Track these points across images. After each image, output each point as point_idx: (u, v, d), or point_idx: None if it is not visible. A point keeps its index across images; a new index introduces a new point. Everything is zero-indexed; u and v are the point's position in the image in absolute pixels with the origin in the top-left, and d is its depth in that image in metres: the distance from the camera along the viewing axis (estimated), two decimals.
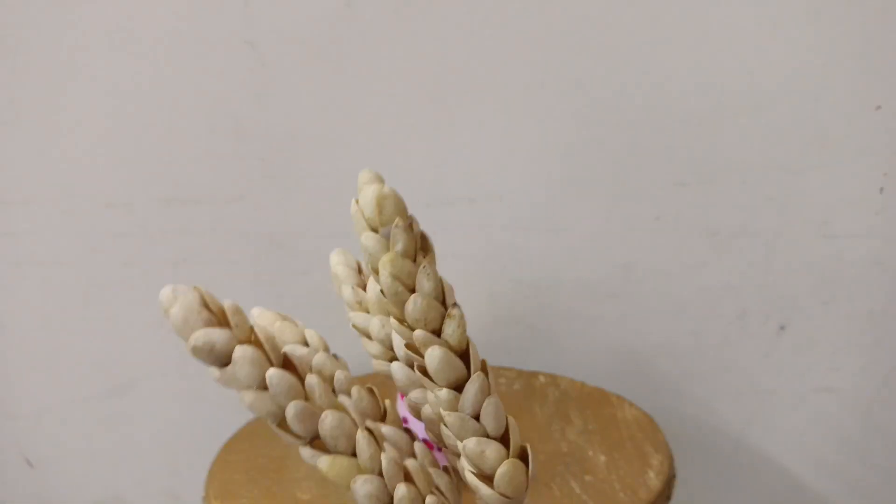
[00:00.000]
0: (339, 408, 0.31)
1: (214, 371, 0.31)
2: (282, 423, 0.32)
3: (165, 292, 0.31)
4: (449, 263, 0.91)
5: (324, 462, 0.31)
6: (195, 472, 0.99)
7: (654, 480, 0.68)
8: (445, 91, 0.82)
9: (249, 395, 0.33)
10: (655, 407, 0.96)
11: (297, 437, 0.32)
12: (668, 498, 0.70)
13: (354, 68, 0.79)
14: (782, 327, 0.94)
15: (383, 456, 0.31)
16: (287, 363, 0.32)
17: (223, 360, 0.32)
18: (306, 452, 0.31)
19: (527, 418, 0.79)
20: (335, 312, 0.91)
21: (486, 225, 0.87)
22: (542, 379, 0.87)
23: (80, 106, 0.80)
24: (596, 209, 0.87)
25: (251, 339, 0.32)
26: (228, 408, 0.95)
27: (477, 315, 0.95)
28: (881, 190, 0.87)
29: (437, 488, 0.34)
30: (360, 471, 0.31)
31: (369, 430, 0.31)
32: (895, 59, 0.81)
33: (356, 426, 0.31)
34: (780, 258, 0.90)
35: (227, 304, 0.32)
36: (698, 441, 0.99)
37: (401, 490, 0.31)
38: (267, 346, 0.32)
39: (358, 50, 0.79)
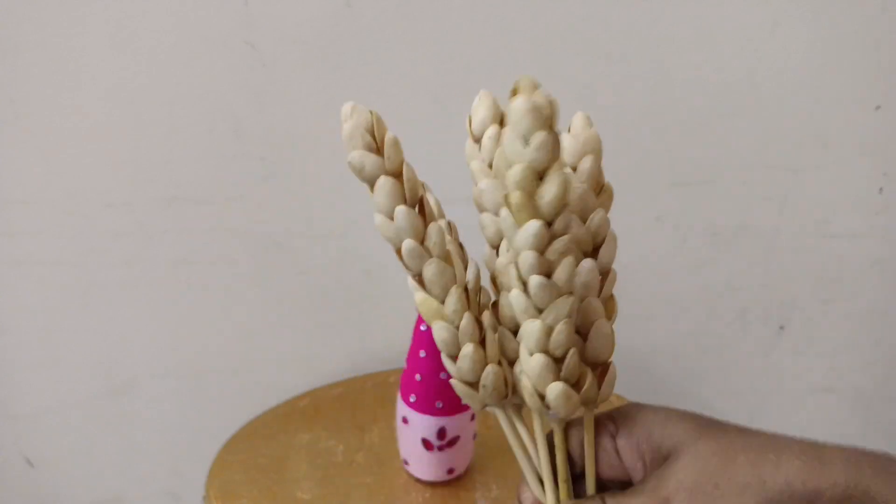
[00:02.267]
0: (448, 260, 0.34)
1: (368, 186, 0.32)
2: (399, 251, 0.35)
3: (347, 106, 0.35)
4: None
5: (418, 297, 0.35)
6: (195, 472, 0.99)
7: None
8: (446, 91, 0.82)
9: (379, 218, 0.36)
10: None
11: (407, 267, 0.36)
12: None
13: (354, 68, 0.79)
14: (782, 327, 0.94)
15: (466, 315, 0.33)
16: (420, 206, 0.35)
17: (370, 182, 0.35)
18: (411, 282, 0.36)
19: (526, 417, 0.79)
20: (335, 312, 0.92)
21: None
22: None
23: (81, 106, 0.80)
24: None
25: (398, 172, 0.35)
26: (229, 408, 0.95)
27: None
28: (881, 190, 0.87)
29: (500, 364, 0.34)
30: (443, 318, 0.33)
31: (465, 290, 0.34)
32: (894, 60, 0.81)
33: (454, 282, 0.33)
34: (779, 258, 0.90)
35: (389, 136, 0.36)
36: None
37: (468, 348, 0.33)
38: (407, 185, 0.35)
39: (358, 50, 0.79)
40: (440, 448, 0.65)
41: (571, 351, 0.32)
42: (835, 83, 0.82)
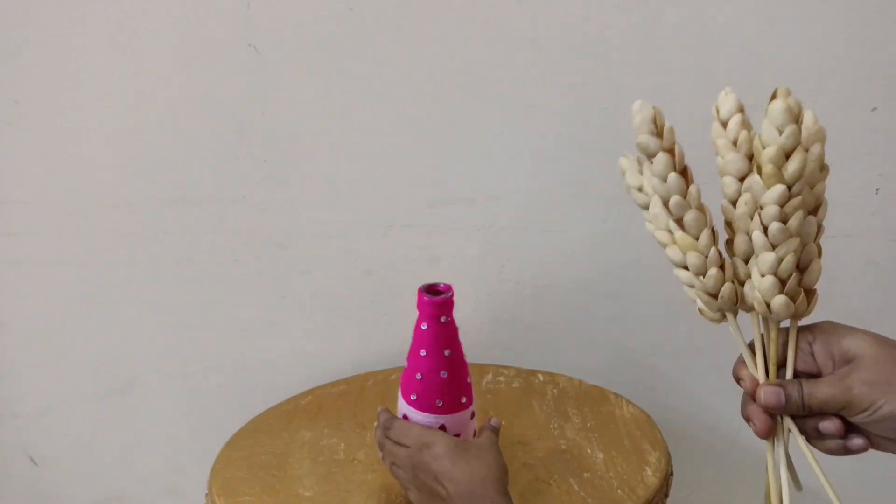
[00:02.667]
0: (701, 210, 0.49)
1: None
2: (666, 204, 0.49)
3: (637, 103, 0.49)
4: (449, 263, 0.92)
5: (678, 235, 0.49)
6: (198, 470, 0.99)
7: (651, 478, 0.69)
8: (446, 93, 0.82)
9: (655, 182, 0.50)
10: (653, 405, 0.96)
11: (670, 213, 0.49)
12: (666, 495, 0.70)
13: (356, 71, 0.80)
14: None
15: (713, 248, 0.47)
16: (684, 174, 0.50)
17: (651, 156, 0.49)
18: (671, 224, 0.50)
19: (526, 416, 0.80)
20: (336, 311, 0.92)
21: (486, 225, 0.88)
22: (540, 377, 0.87)
23: (85, 107, 0.80)
24: (594, 210, 0.88)
25: (671, 149, 0.50)
26: (231, 405, 0.95)
27: (477, 314, 0.95)
28: (877, 191, 0.87)
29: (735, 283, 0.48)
30: (696, 250, 0.48)
31: (712, 231, 0.49)
32: (891, 62, 0.81)
33: (705, 225, 0.48)
34: None
35: (667, 126, 0.50)
36: (695, 439, 1.00)
37: (713, 270, 0.47)
38: (677, 158, 0.50)
39: (359, 53, 0.79)
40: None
41: (793, 276, 0.46)
42: (832, 85, 0.82)
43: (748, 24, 0.80)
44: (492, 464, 0.59)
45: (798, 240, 0.46)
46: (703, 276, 0.48)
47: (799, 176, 0.45)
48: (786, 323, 0.49)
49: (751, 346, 0.49)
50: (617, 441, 0.75)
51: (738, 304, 0.48)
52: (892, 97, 0.83)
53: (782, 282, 0.46)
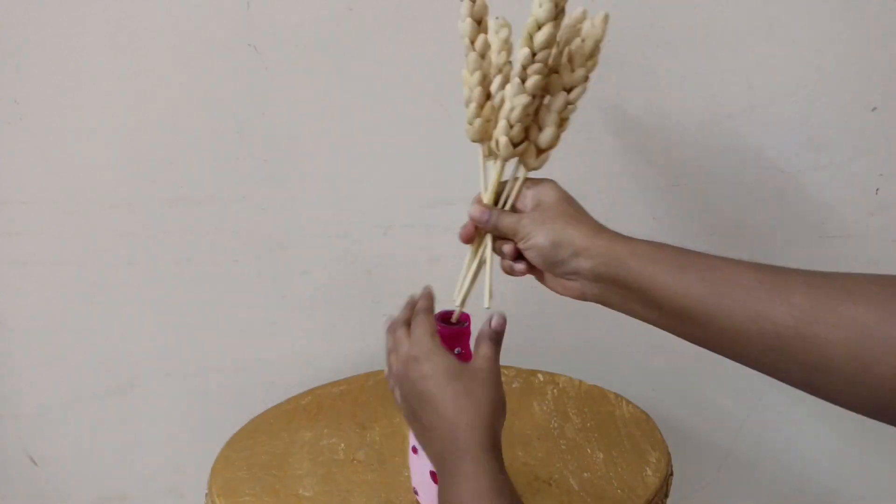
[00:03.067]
0: (482, 56, 0.57)
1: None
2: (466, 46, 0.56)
3: None
4: (449, 263, 0.92)
5: (463, 72, 0.57)
6: (198, 470, 0.99)
7: (651, 478, 0.69)
8: (446, 93, 0.82)
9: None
10: (653, 405, 0.96)
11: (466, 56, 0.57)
12: (666, 495, 0.70)
13: (356, 71, 0.80)
14: None
15: (478, 88, 0.57)
16: (480, 22, 0.58)
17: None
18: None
19: (526, 416, 0.80)
20: (336, 311, 0.92)
21: None
22: (540, 377, 0.87)
23: (83, 107, 0.80)
24: (593, 209, 0.87)
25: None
26: (231, 405, 0.95)
27: (476, 314, 0.95)
28: (877, 191, 0.87)
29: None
30: (466, 84, 0.57)
31: (485, 76, 0.57)
32: (890, 62, 0.81)
33: (479, 68, 0.57)
34: (776, 258, 0.90)
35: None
36: (695, 439, 1.00)
37: (472, 106, 0.57)
38: (477, 6, 0.57)
39: (360, 53, 0.79)
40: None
41: (518, 126, 0.54)
42: (831, 85, 0.82)
43: (748, 24, 0.80)
44: (483, 403, 0.51)
45: (529, 98, 0.53)
46: (467, 108, 0.57)
47: (545, 46, 0.51)
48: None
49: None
50: (617, 441, 0.75)
51: (488, 139, 0.57)
52: (892, 97, 0.83)
53: (510, 126, 0.54)
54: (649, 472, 0.70)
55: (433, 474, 0.62)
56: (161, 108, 0.81)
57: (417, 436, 0.55)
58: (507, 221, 0.55)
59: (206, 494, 0.71)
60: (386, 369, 0.59)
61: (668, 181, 0.86)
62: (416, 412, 0.54)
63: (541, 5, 0.51)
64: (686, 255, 0.48)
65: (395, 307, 0.94)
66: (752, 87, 0.83)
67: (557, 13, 0.51)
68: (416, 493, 0.67)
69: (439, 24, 0.79)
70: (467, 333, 0.61)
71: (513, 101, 0.53)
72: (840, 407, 0.41)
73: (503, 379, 0.87)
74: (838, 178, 0.87)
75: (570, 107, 0.56)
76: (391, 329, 0.59)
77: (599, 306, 0.90)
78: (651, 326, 0.98)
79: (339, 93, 0.81)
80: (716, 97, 0.83)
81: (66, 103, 0.80)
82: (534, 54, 0.52)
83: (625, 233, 0.93)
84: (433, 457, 0.53)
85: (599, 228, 0.53)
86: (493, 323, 0.56)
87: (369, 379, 0.89)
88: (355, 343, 0.93)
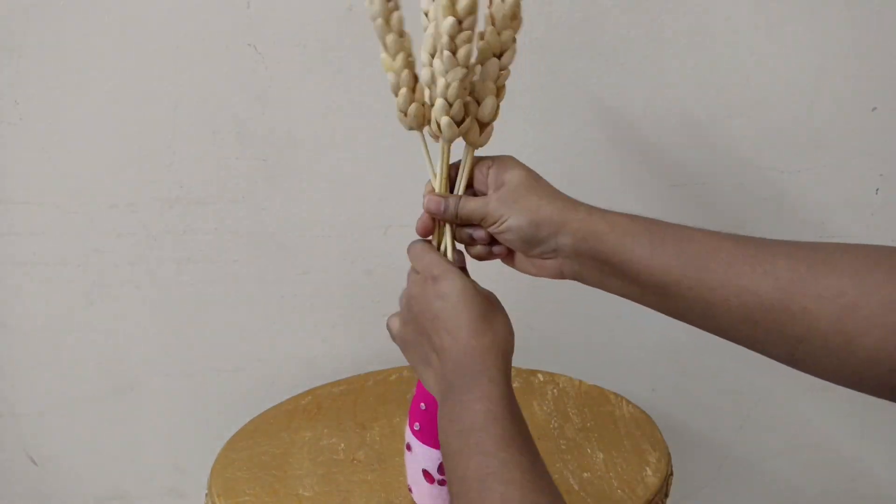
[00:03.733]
0: (401, 35, 0.54)
1: None
2: (377, 25, 0.53)
3: None
4: None
5: (382, 55, 0.54)
6: (198, 470, 0.99)
7: (651, 478, 0.69)
8: None
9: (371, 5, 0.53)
10: (653, 405, 0.96)
11: (379, 37, 0.54)
12: (666, 495, 0.70)
13: (356, 71, 0.80)
14: None
15: (406, 71, 0.53)
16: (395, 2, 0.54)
17: None
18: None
19: (526, 415, 0.79)
20: (336, 311, 0.92)
21: None
22: (540, 377, 0.87)
23: (85, 107, 0.80)
24: None
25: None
26: (231, 405, 0.95)
27: None
28: (877, 191, 0.87)
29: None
30: (391, 69, 0.54)
31: (408, 55, 0.55)
32: (891, 62, 0.81)
33: (402, 49, 0.54)
34: None
35: None
36: (695, 439, 1.00)
37: (403, 90, 0.54)
38: None
39: (359, 53, 0.79)
40: (442, 483, 0.62)
41: (458, 102, 0.51)
42: (831, 85, 0.82)
43: (748, 24, 0.80)
44: (499, 328, 0.50)
45: (464, 70, 0.49)
46: (396, 95, 0.53)
47: (469, 12, 0.48)
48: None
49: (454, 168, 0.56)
50: (617, 441, 0.75)
51: (426, 124, 0.54)
52: (892, 97, 0.83)
53: (449, 104, 0.51)
54: (649, 473, 0.70)
55: (426, 473, 0.62)
56: (161, 108, 0.81)
57: (421, 361, 0.52)
58: (471, 206, 0.52)
59: (206, 494, 0.71)
60: (390, 332, 0.57)
61: (668, 181, 0.86)
62: (428, 332, 0.51)
63: None
64: (664, 228, 0.47)
65: (395, 307, 0.94)
66: (752, 87, 0.83)
67: None
68: (410, 490, 0.67)
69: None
70: None
71: (447, 77, 0.50)
72: (820, 378, 0.41)
73: None
74: (838, 178, 0.87)
75: (503, 73, 0.53)
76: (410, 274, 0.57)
77: (600, 307, 0.90)
78: (651, 326, 0.99)
79: (339, 93, 0.81)
80: (716, 97, 0.83)
81: (66, 103, 0.80)
82: (460, 22, 0.49)
83: None
84: (439, 381, 0.50)
85: (574, 202, 0.51)
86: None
87: (369, 379, 0.89)
88: (355, 343, 0.93)
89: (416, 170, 0.86)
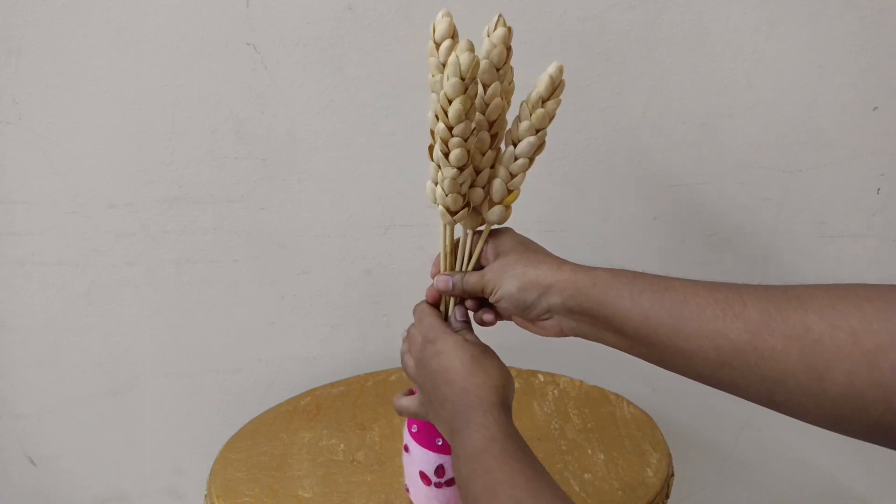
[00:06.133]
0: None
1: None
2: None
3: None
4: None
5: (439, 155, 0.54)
6: (197, 471, 0.99)
7: (652, 479, 0.69)
8: None
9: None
10: (653, 405, 0.96)
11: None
12: (667, 496, 0.70)
13: (355, 70, 0.80)
14: None
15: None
16: None
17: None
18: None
19: (526, 416, 0.79)
20: (336, 311, 0.92)
21: None
22: (541, 378, 0.87)
23: (84, 107, 0.80)
24: (594, 209, 0.88)
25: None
26: (230, 406, 0.95)
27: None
28: (878, 190, 0.87)
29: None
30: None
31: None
32: (892, 61, 0.81)
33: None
34: (777, 258, 0.91)
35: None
36: (696, 440, 1.00)
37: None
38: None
39: (359, 52, 0.79)
40: (438, 486, 0.63)
41: (452, 195, 0.54)
42: (832, 84, 0.82)
43: (748, 24, 0.80)
44: (493, 371, 0.53)
45: (457, 171, 0.52)
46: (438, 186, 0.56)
47: (459, 119, 0.49)
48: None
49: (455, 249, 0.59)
50: (618, 442, 0.75)
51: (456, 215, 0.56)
52: (892, 97, 0.83)
53: (445, 194, 0.54)
54: (650, 473, 0.70)
55: (423, 475, 0.63)
56: (160, 108, 0.80)
57: (433, 417, 0.55)
58: (472, 281, 0.56)
59: (206, 495, 0.71)
60: (404, 368, 0.60)
61: (668, 181, 0.86)
62: (432, 392, 0.55)
63: (448, 78, 0.49)
64: (643, 279, 0.49)
65: (395, 307, 0.94)
66: (752, 86, 0.82)
67: (466, 86, 0.49)
68: (407, 490, 0.67)
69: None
70: None
71: (443, 171, 0.53)
72: (807, 422, 0.41)
73: None
74: (839, 178, 0.87)
75: (519, 161, 0.54)
76: (406, 335, 0.61)
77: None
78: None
79: (338, 93, 0.81)
80: (716, 97, 0.83)
81: (65, 103, 0.80)
82: (450, 128, 0.50)
83: (624, 234, 0.93)
84: (445, 425, 0.53)
85: (560, 263, 0.53)
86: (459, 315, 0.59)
87: (369, 380, 0.89)
88: (355, 343, 0.93)
89: (415, 170, 0.87)
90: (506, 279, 0.53)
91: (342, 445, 0.76)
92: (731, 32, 0.80)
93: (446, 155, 0.51)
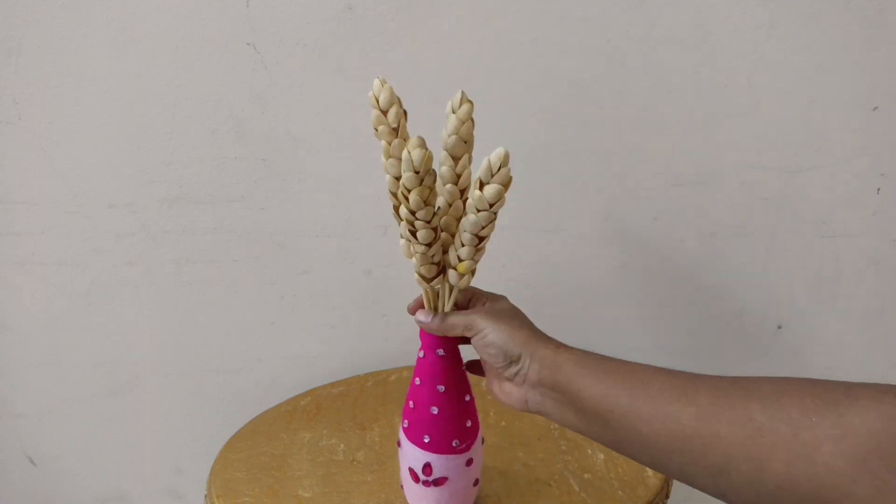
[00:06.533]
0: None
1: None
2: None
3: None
4: None
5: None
6: (197, 471, 0.99)
7: (652, 479, 0.69)
8: (445, 93, 0.82)
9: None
10: None
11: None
12: (667, 496, 0.70)
13: (355, 70, 0.80)
14: (780, 326, 0.95)
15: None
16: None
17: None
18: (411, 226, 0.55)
19: (526, 416, 0.79)
20: (336, 311, 0.92)
21: None
22: None
23: (84, 107, 0.80)
24: (594, 210, 0.88)
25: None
26: (230, 406, 0.95)
27: None
28: (878, 190, 0.87)
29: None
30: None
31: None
32: (892, 61, 0.81)
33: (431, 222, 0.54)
34: (777, 258, 0.91)
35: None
36: None
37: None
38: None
39: (359, 52, 0.79)
40: (426, 484, 0.62)
41: (426, 266, 0.55)
42: (833, 84, 0.82)
43: (748, 24, 0.80)
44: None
45: (425, 247, 0.54)
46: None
47: (420, 206, 0.52)
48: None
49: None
50: None
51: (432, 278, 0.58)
52: (892, 97, 0.83)
53: (420, 264, 0.56)
54: (650, 473, 0.70)
55: (411, 471, 0.62)
56: (160, 108, 0.80)
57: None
58: (455, 318, 0.57)
59: (206, 495, 0.71)
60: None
61: (668, 181, 0.86)
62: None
63: (404, 171, 0.51)
64: (610, 362, 0.51)
65: (395, 307, 0.94)
66: (752, 86, 0.82)
67: (422, 177, 0.51)
68: (402, 487, 0.66)
69: (439, 24, 0.79)
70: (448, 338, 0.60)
71: (413, 246, 0.55)
72: None
73: None
74: (839, 178, 0.87)
75: (466, 235, 0.55)
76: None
77: (600, 309, 0.90)
78: (652, 327, 0.99)
79: (338, 93, 0.81)
80: (716, 97, 0.83)
81: (65, 102, 0.80)
82: (413, 212, 0.52)
83: (624, 234, 0.93)
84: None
85: (546, 338, 0.55)
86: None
87: (369, 380, 0.89)
88: (355, 343, 0.93)
89: None
90: (496, 327, 0.54)
91: (342, 445, 0.76)
92: (731, 32, 0.80)
93: (413, 234, 0.53)
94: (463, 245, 0.55)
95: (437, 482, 0.61)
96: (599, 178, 0.86)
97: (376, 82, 0.54)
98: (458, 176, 0.55)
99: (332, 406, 0.83)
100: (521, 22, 0.79)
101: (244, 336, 0.92)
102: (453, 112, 0.54)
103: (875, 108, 0.83)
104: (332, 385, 0.88)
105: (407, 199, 0.52)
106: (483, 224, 0.53)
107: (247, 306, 0.90)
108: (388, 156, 0.54)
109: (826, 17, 0.79)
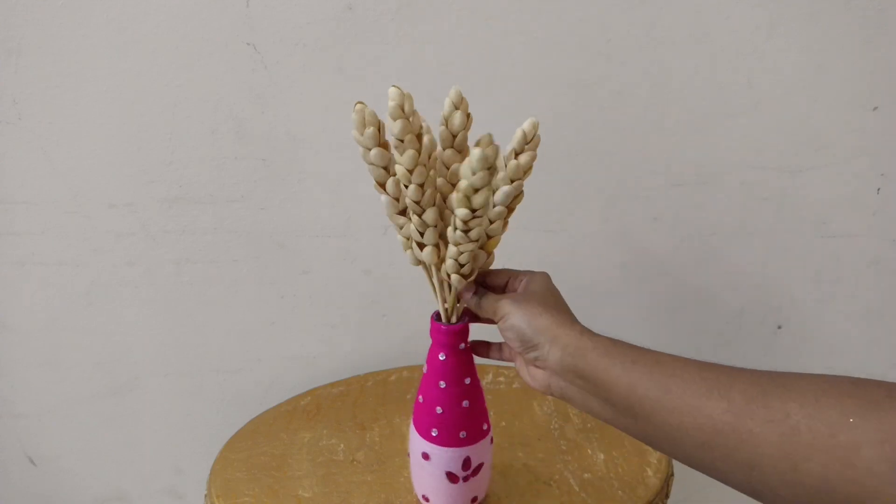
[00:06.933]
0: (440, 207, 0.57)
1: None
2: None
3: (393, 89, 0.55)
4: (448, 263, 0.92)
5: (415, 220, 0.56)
6: (197, 471, 0.99)
7: (652, 478, 0.69)
8: (445, 93, 0.82)
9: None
10: None
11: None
12: (667, 496, 0.70)
13: (355, 70, 0.80)
14: (780, 326, 0.95)
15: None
16: (385, 146, 0.59)
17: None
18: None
19: (526, 416, 0.79)
20: (336, 311, 0.92)
21: None
22: None
23: (84, 107, 0.80)
24: (594, 209, 0.88)
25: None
26: (230, 406, 0.95)
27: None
28: (878, 190, 0.87)
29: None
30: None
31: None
32: (892, 61, 0.81)
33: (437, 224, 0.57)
34: (777, 258, 0.91)
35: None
36: None
37: (428, 248, 0.57)
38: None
39: (359, 52, 0.79)
40: (465, 479, 0.62)
41: (468, 265, 0.57)
42: (833, 84, 0.82)
43: (748, 24, 0.80)
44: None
45: (476, 244, 0.55)
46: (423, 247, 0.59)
47: (483, 205, 0.52)
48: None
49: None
50: (617, 442, 0.74)
51: (439, 269, 0.59)
52: (892, 97, 0.83)
53: (461, 265, 0.57)
54: (650, 473, 0.70)
55: (450, 474, 0.61)
56: (160, 108, 0.80)
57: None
58: (487, 301, 0.57)
59: (206, 495, 0.71)
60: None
61: (668, 181, 0.86)
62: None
63: (474, 173, 0.51)
64: (638, 352, 0.50)
65: (395, 307, 0.94)
66: (752, 86, 0.82)
67: (492, 173, 0.52)
68: (425, 500, 0.65)
69: (439, 24, 0.79)
70: (468, 327, 0.60)
71: (460, 247, 0.55)
72: None
73: (503, 379, 0.87)
74: (839, 178, 0.87)
75: (497, 209, 0.56)
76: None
77: (600, 309, 0.90)
78: (651, 327, 0.98)
79: (338, 93, 0.81)
80: (717, 97, 0.83)
81: (65, 102, 0.80)
82: (474, 210, 0.53)
83: (624, 234, 0.93)
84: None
85: (573, 321, 0.54)
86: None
87: (369, 380, 0.89)
88: (355, 343, 0.93)
89: None
90: (521, 312, 0.54)
91: (342, 445, 0.76)
92: (731, 32, 0.80)
93: (467, 232, 0.54)
94: (491, 222, 0.56)
95: (476, 471, 0.62)
96: (599, 178, 0.86)
97: (394, 91, 0.55)
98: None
99: (332, 406, 0.83)
100: (521, 22, 0.79)
101: (244, 336, 0.92)
102: (456, 108, 0.56)
103: (875, 108, 0.83)
104: (332, 385, 0.88)
105: (469, 199, 0.52)
106: (514, 194, 0.54)
107: (247, 306, 0.90)
108: (415, 164, 0.54)
109: (826, 17, 0.79)
